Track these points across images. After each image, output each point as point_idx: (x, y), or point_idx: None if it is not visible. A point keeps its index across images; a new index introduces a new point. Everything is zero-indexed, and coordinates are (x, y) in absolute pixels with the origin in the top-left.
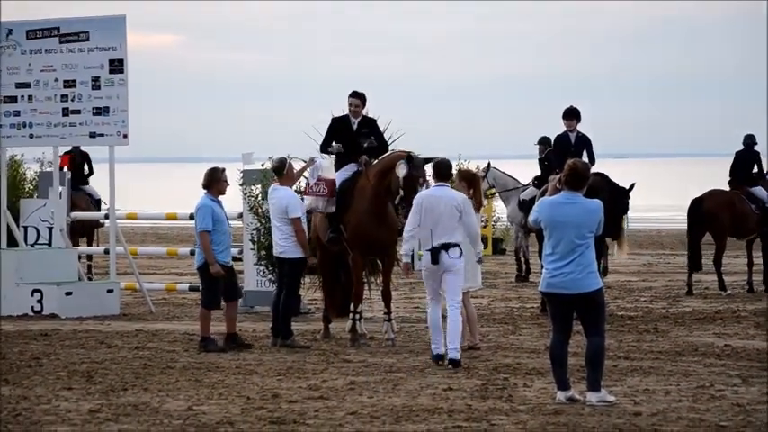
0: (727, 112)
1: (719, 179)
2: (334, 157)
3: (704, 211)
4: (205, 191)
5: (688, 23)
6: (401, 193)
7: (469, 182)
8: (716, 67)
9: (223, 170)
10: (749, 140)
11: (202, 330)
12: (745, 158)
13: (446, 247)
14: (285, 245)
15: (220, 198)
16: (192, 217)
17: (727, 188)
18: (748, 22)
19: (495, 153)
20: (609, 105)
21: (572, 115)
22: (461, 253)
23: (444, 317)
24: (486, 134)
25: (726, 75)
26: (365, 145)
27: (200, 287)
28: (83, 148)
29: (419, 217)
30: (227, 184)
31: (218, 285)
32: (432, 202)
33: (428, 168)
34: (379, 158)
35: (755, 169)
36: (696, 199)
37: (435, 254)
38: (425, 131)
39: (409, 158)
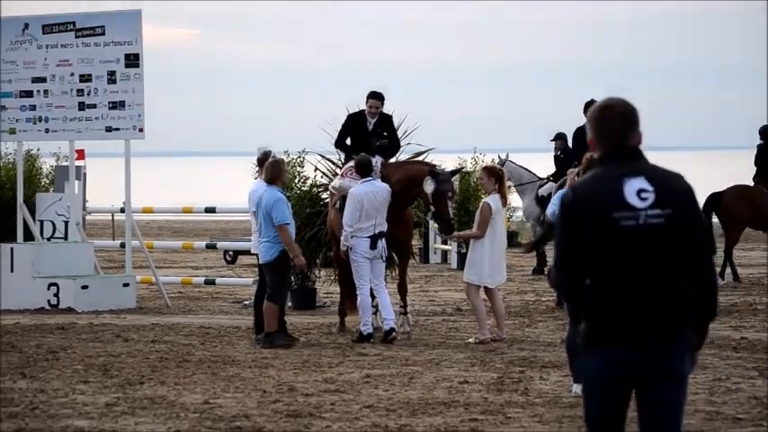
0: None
1: (729, 172)
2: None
3: (722, 206)
4: (270, 184)
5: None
6: (432, 209)
7: (498, 177)
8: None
9: (284, 162)
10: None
11: (268, 326)
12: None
13: (381, 235)
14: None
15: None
16: (207, 210)
17: (751, 182)
18: None
19: (508, 146)
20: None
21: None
22: None
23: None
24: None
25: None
26: (377, 144)
27: (268, 281)
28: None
29: (359, 213)
30: (288, 176)
31: (289, 281)
32: (370, 198)
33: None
34: (400, 163)
35: None
36: (715, 193)
37: (375, 241)
38: (436, 122)
39: (434, 174)
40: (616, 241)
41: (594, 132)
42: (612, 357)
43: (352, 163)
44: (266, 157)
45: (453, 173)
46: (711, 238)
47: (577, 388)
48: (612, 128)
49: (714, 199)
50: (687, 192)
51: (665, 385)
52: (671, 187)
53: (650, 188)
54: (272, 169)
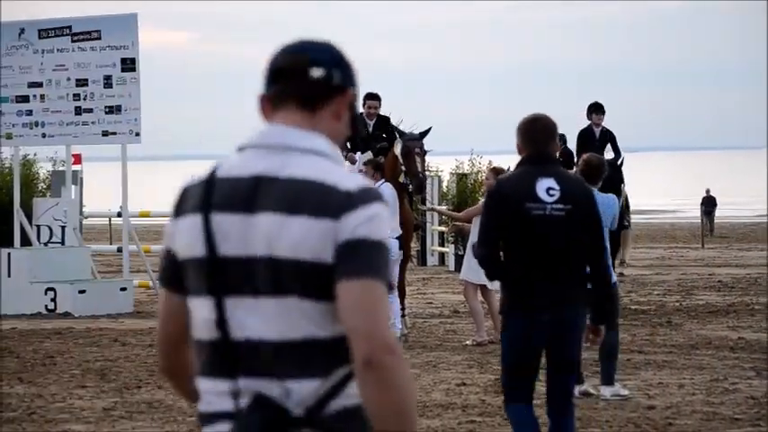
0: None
1: (723, 173)
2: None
3: None
4: None
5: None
6: (403, 169)
7: None
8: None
9: None
10: None
11: None
12: None
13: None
14: None
15: None
16: None
17: None
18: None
19: (508, 148)
20: (619, 97)
21: (599, 110)
22: None
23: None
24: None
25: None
26: (377, 146)
27: None
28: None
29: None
30: None
31: None
32: (394, 197)
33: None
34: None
35: None
36: None
37: (400, 240)
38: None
39: (401, 134)
40: (528, 227)
41: (522, 140)
42: (530, 320)
43: (358, 163)
44: None
45: (422, 134)
46: None
47: (575, 389)
48: (538, 137)
49: None
50: (586, 193)
51: (569, 341)
52: (573, 189)
53: (557, 187)
54: None
